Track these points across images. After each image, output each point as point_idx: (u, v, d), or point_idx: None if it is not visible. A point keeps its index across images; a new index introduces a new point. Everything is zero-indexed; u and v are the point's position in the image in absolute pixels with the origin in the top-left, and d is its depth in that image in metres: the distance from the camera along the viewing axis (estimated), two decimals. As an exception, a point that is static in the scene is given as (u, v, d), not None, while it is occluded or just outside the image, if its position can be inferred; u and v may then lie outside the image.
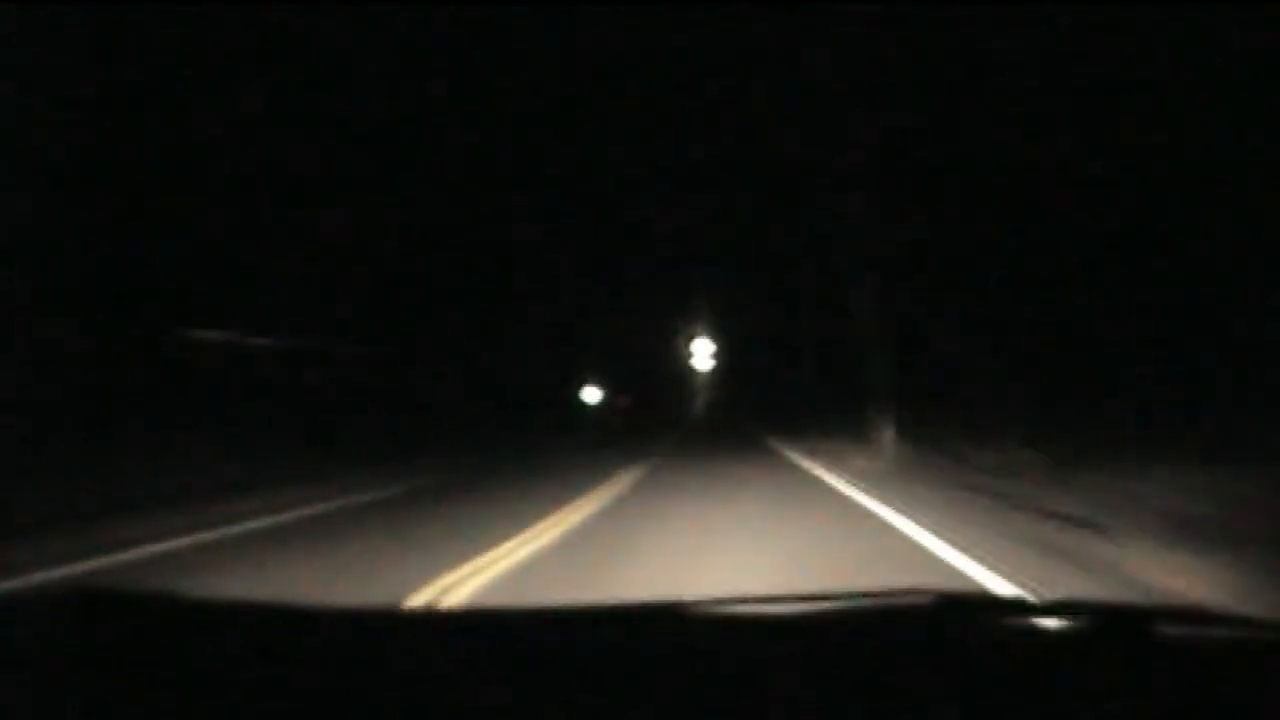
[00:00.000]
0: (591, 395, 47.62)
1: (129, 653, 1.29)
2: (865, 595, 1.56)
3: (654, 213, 35.13)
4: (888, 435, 17.40)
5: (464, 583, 5.72)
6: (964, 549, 6.70)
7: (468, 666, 1.29)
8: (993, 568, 5.94)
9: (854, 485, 11.92)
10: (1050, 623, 1.46)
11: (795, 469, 15.84)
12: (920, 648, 1.32)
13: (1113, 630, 1.37)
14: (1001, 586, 5.37)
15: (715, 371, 73.04)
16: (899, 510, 9.16)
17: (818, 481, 13.21)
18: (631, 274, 46.13)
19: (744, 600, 1.62)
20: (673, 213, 34.72)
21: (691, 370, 72.04)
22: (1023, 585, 5.33)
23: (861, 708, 1.12)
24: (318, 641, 1.41)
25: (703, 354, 66.76)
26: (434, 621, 1.87)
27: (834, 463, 15.92)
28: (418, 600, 5.22)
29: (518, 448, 21.84)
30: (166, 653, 1.30)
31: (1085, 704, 1.12)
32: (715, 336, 62.81)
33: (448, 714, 1.14)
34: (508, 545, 7.15)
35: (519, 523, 8.31)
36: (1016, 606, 1.81)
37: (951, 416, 17.13)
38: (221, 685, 1.19)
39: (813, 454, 18.43)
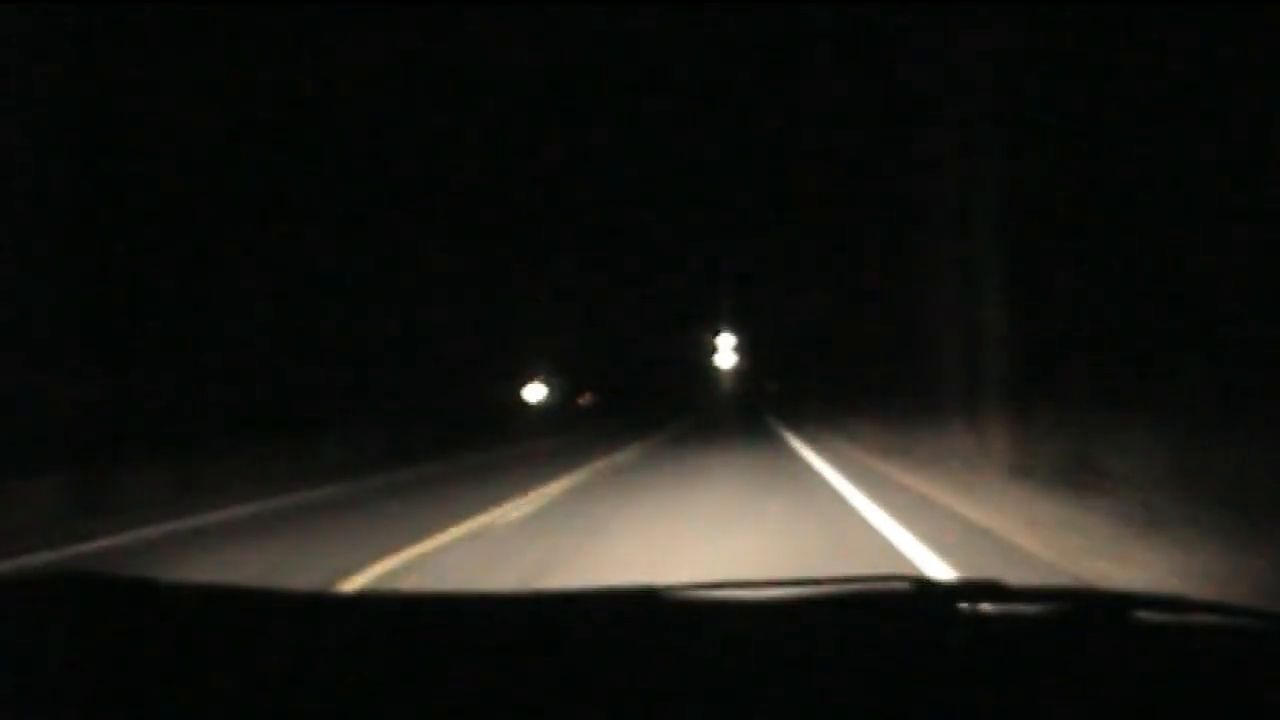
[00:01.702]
0: (536, 393, 30.19)
1: (112, 635, 1.31)
2: (845, 581, 1.50)
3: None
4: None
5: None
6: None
7: (437, 654, 1.28)
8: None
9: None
10: (1029, 608, 1.41)
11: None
12: (900, 633, 1.31)
13: (1091, 615, 1.37)
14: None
15: (739, 368, 66.78)
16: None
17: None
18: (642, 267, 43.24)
19: (721, 585, 1.58)
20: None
21: (713, 367, 66.04)
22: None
23: (842, 693, 1.11)
24: (286, 625, 1.43)
25: (725, 350, 62.91)
26: (391, 606, 1.70)
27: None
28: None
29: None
30: (144, 635, 1.33)
31: (1063, 689, 1.12)
32: (740, 332, 59.47)
33: (416, 704, 1.11)
34: None
35: None
36: (995, 591, 1.44)
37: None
38: (194, 669, 1.21)
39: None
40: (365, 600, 1.82)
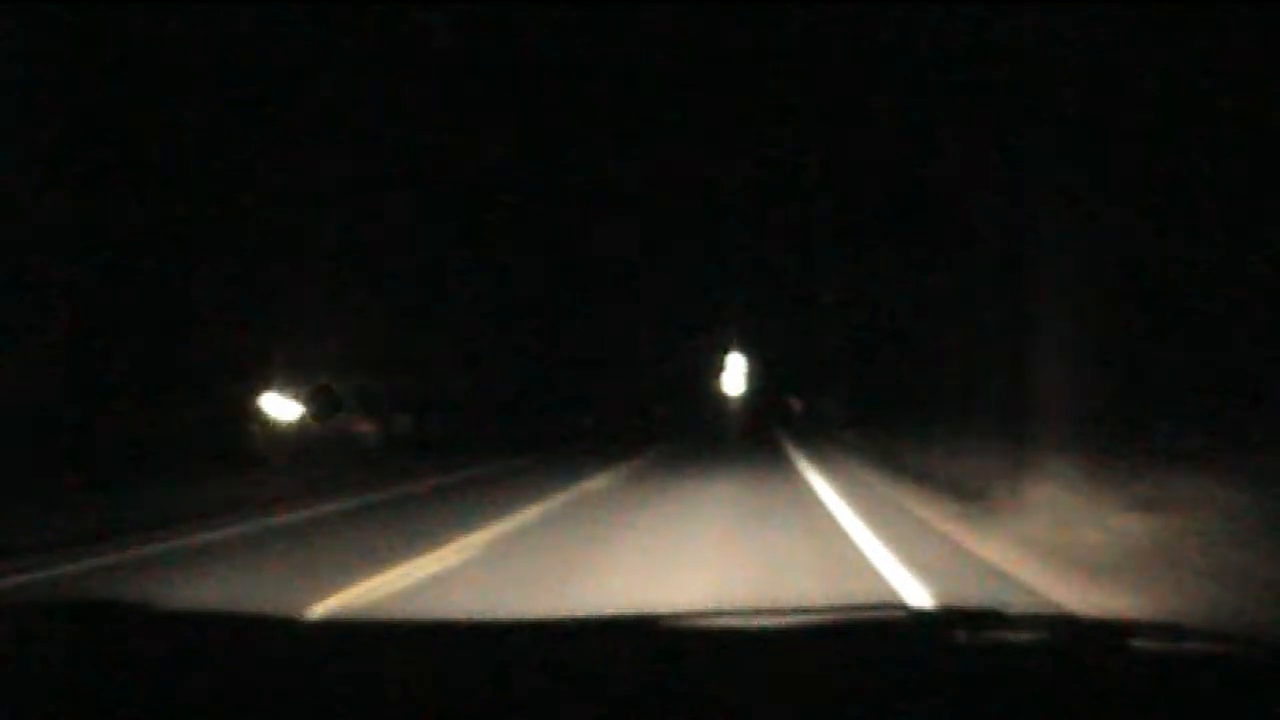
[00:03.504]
0: (283, 410, 14.74)
1: (106, 659, 1.33)
2: (839, 610, 1.61)
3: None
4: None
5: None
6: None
7: (427, 681, 1.26)
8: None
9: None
10: (1025, 635, 1.42)
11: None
12: (898, 661, 1.31)
13: (1087, 643, 1.36)
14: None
15: (751, 389, 52.85)
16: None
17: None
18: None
19: (719, 614, 1.60)
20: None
21: (717, 386, 53.33)
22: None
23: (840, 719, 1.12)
24: (269, 649, 1.43)
25: (735, 373, 52.56)
26: (383, 631, 1.67)
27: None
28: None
29: None
30: (137, 659, 1.34)
31: (1060, 716, 1.12)
32: (749, 349, 51.13)
33: None
34: None
35: None
36: (992, 619, 1.44)
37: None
38: (176, 690, 1.21)
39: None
40: (358, 626, 1.81)
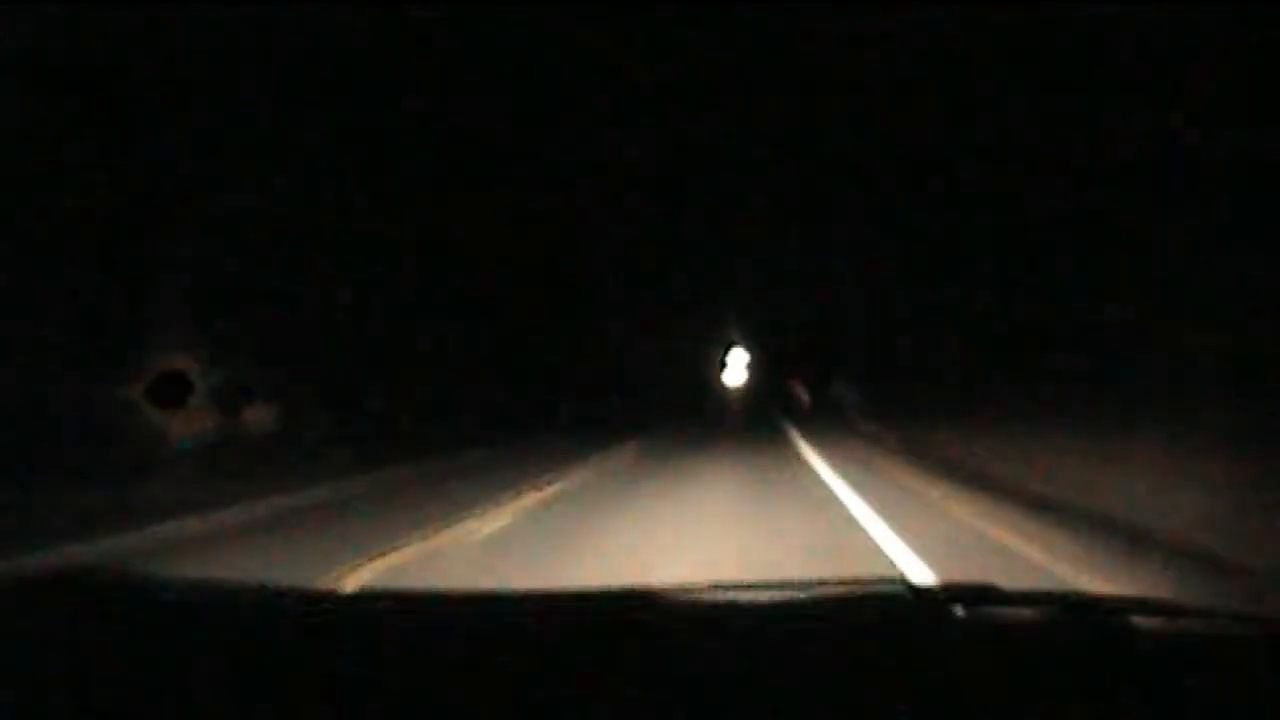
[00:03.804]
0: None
1: (106, 636, 1.29)
2: (838, 583, 1.51)
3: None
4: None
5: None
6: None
7: (429, 653, 1.25)
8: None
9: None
10: (1022, 612, 1.41)
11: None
12: (894, 636, 1.31)
13: (1084, 620, 1.36)
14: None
15: (750, 381, 53.51)
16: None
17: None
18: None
19: (715, 587, 1.56)
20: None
21: (716, 378, 54.12)
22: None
23: (835, 695, 1.11)
24: (282, 624, 1.40)
25: (737, 367, 54.23)
26: (385, 604, 1.67)
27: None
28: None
29: None
30: (140, 636, 1.30)
31: (1056, 693, 1.11)
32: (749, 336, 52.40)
33: (409, 705, 1.09)
34: None
35: None
36: (987, 595, 1.47)
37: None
38: (183, 671, 1.17)
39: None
40: (361, 599, 1.78)
